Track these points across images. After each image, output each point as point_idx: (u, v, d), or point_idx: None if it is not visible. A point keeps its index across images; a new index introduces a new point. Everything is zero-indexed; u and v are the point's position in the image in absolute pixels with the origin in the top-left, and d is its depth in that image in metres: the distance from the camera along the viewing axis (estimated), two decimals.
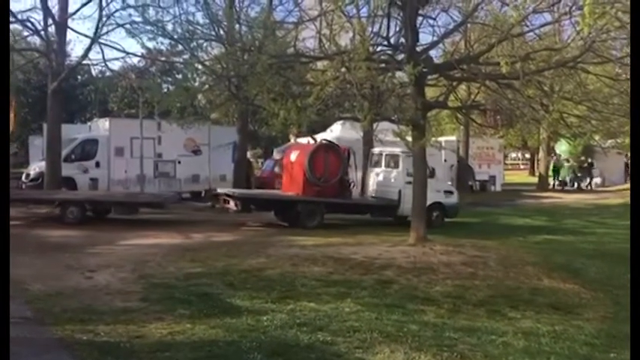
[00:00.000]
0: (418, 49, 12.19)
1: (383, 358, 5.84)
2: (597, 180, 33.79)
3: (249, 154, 28.43)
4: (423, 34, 12.92)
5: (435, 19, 12.63)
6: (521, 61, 9.53)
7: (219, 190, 18.12)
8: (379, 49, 12.77)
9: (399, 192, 16.94)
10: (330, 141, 17.82)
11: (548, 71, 11.61)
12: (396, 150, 17.22)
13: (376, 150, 18.78)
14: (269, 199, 17.56)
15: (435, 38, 12.83)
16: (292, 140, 31.75)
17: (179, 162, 22.22)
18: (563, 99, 11.35)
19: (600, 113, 12.42)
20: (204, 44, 14.35)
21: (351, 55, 9.62)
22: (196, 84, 15.19)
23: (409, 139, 11.61)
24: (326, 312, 7.41)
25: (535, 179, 36.38)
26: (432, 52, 13.68)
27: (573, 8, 9.64)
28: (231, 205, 16.72)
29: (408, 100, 13.20)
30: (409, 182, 15.36)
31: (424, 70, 11.38)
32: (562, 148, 34.20)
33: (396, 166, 17.44)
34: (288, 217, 16.66)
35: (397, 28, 12.43)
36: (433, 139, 15.37)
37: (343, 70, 10.09)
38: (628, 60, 11.89)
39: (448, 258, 11.16)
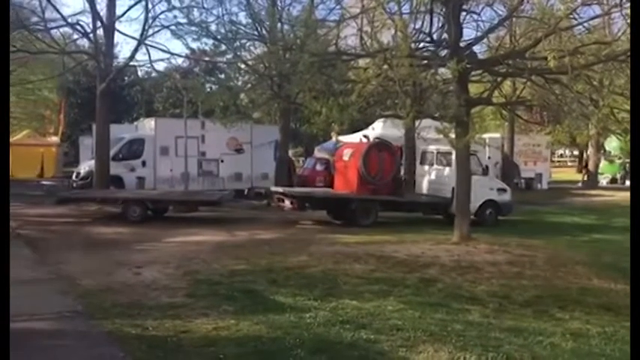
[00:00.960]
0: (462, 44, 12.01)
1: (427, 358, 5.78)
2: None
3: (290, 153, 28.60)
4: (467, 30, 12.74)
5: (479, 14, 12.45)
6: (569, 56, 9.26)
7: (272, 189, 18.43)
8: (421, 45, 12.65)
9: (452, 190, 16.44)
10: (383, 139, 17.83)
11: (598, 65, 11.26)
12: (449, 148, 16.72)
13: (428, 148, 18.68)
14: (324, 197, 17.69)
15: (479, 33, 12.64)
16: (334, 138, 31.80)
17: (222, 160, 22.52)
18: (613, 94, 10.98)
19: None
20: (247, 44, 14.53)
21: (393, 52, 9.55)
22: (239, 83, 15.39)
23: (452, 136, 11.45)
24: (368, 310, 7.39)
25: (582, 177, 35.39)
26: (476, 48, 13.49)
27: (624, 0, 9.31)
28: (286, 203, 16.93)
29: (451, 97, 13.01)
30: None
31: (468, 65, 11.19)
32: (612, 144, 33.15)
33: (449, 163, 17.32)
34: (342, 215, 16.75)
35: (440, 24, 12.29)
36: (477, 136, 15.13)
37: (385, 67, 10.03)
38: None
39: (493, 257, 10.98)
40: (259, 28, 14.31)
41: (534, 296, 8.60)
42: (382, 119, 21.74)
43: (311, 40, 13.03)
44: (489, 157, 25.68)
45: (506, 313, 7.73)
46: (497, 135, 28.62)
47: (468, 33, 13.14)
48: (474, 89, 15.10)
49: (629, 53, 10.39)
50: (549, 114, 22.38)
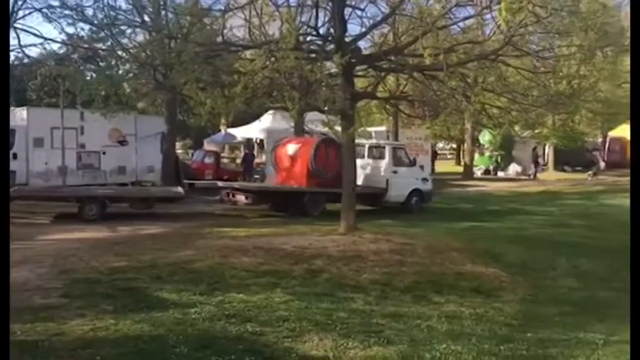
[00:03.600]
0: (347, 39, 12.27)
1: (311, 347, 5.88)
2: (518, 168, 35.33)
3: (178, 145, 27.83)
4: (353, 25, 13.04)
5: (363, 10, 12.75)
6: (444, 54, 9.78)
7: (219, 184, 18.91)
8: (308, 39, 12.76)
9: (387, 181, 18.37)
10: (328, 135, 18.37)
11: (472, 64, 11.98)
12: (382, 142, 19.25)
13: (361, 142, 19.26)
14: (277, 191, 18.40)
15: (364, 29, 12.96)
16: (223, 131, 31.37)
17: (104, 153, 21.40)
18: (484, 90, 11.75)
19: (520, 105, 12.94)
20: (128, 31, 13.84)
21: (278, 45, 9.55)
22: (120, 72, 14.63)
23: (338, 128, 11.69)
24: (255, 303, 7.39)
25: (461, 168, 37.58)
26: (362, 44, 13.83)
27: (493, 3, 9.98)
28: (241, 198, 17.36)
29: (338, 91, 13.28)
30: (395, 172, 18.50)
31: (352, 60, 11.47)
32: (485, 138, 35.51)
33: (382, 157, 18.80)
34: (293, 208, 17.34)
35: (326, 19, 12.46)
36: (362, 129, 15.59)
37: (272, 59, 10.01)
38: (545, 53, 12.50)
39: (377, 246, 11.36)
40: (141, 15, 13.70)
41: (414, 282, 9.03)
42: (271, 112, 21.75)
43: (196, 29, 12.70)
44: None
45: (387, 300, 8.06)
46: (382, 128, 29.65)
47: (354, 29, 13.47)
48: (360, 84, 15.50)
49: (499, 52, 11.20)
50: (429, 109, 23.55)
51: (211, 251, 10.31)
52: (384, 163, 18.74)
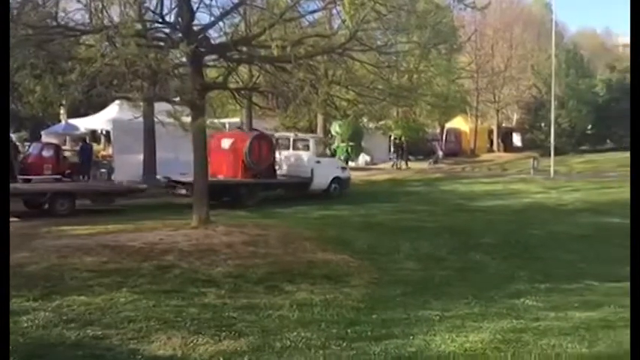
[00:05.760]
0: (195, 28, 11.95)
1: (159, 346, 5.67)
2: (367, 158, 37.07)
3: (14, 137, 25.33)
4: (202, 15, 12.74)
5: None
6: (291, 46, 9.91)
7: (158, 177, 19.71)
8: (155, 26, 12.22)
9: (312, 170, 20.42)
10: (260, 131, 20.52)
11: (321, 57, 12.27)
12: (308, 135, 21.75)
13: (285, 135, 22.23)
14: (213, 183, 18.60)
15: (213, 19, 12.70)
16: (63, 121, 29.07)
17: None
18: (332, 83, 12.11)
19: (366, 97, 13.53)
20: None
21: (117, 31, 9.00)
22: None
23: (185, 119, 11.37)
24: (98, 304, 6.97)
25: None
26: (214, 34, 13.53)
27: None
28: (182, 191, 17.94)
29: (188, 81, 12.89)
30: (318, 162, 20.70)
31: (201, 49, 11.19)
32: (336, 129, 36.78)
33: (306, 148, 21.03)
34: (230, 199, 18.16)
35: (173, 6, 12.02)
36: (217, 120, 15.37)
37: (112, 46, 9.43)
38: (388, 49, 13.17)
39: (230, 239, 11.27)
40: None
41: (267, 273, 9.08)
42: (118, 102, 20.56)
43: (28, 9, 11.55)
44: None
45: (240, 292, 8.01)
46: (236, 120, 29.43)
47: (205, 18, 13.16)
48: (213, 74, 15.20)
49: (345, 46, 11.59)
50: (282, 100, 23.82)
51: (48, 252, 9.54)
52: (308, 155, 20.84)
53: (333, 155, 36.20)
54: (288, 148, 21.57)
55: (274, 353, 5.54)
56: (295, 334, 6.10)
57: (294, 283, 8.62)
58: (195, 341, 5.79)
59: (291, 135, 21.41)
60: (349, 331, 6.30)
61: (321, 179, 20.77)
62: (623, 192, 23.54)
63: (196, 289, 8.04)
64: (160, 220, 13.60)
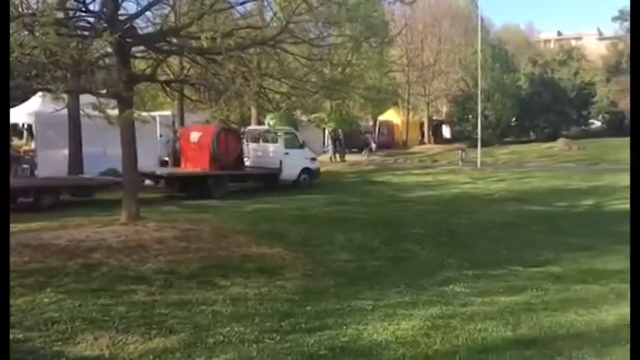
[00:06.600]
0: (121, 18, 11.53)
1: (85, 347, 5.47)
2: None
3: None
4: (131, 5, 12.32)
5: None
6: (221, 37, 9.74)
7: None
8: (78, 14, 11.70)
9: (280, 162, 21.36)
10: (228, 125, 20.38)
11: (254, 49, 12.13)
12: (277, 128, 22.53)
13: (254, 128, 23.74)
14: (184, 175, 20.32)
15: (140, 9, 12.29)
16: None
17: None
18: (264, 75, 12.01)
19: (299, 90, 13.51)
20: None
21: (36, 19, 8.55)
22: None
23: (111, 112, 10.97)
24: (20, 306, 6.63)
25: None
26: (142, 24, 13.09)
27: None
28: (151, 182, 19.07)
29: (114, 72, 12.43)
30: (287, 153, 21.62)
31: (127, 40, 10.82)
32: (270, 122, 36.65)
33: (275, 141, 22.08)
34: (198, 190, 19.03)
35: None
36: (146, 113, 14.87)
37: (30, 35, 8.95)
38: (320, 42, 13.20)
39: (161, 234, 10.99)
40: None
41: (199, 268, 8.92)
42: (40, 93, 19.57)
43: None
44: (161, 135, 25.68)
45: (172, 288, 7.84)
46: (168, 113, 28.72)
47: (132, 8, 12.72)
48: (142, 66, 14.72)
49: (277, 39, 11.51)
50: (214, 93, 23.47)
51: None
52: (277, 146, 21.85)
53: None
54: (257, 141, 22.56)
55: (206, 349, 5.47)
56: (228, 328, 6.04)
57: (227, 278, 8.52)
58: (124, 340, 5.63)
59: (260, 127, 22.75)
60: (283, 323, 6.30)
61: (291, 170, 21.54)
62: (544, 181, 24.84)
63: (125, 287, 7.80)
64: (86, 217, 13.12)
